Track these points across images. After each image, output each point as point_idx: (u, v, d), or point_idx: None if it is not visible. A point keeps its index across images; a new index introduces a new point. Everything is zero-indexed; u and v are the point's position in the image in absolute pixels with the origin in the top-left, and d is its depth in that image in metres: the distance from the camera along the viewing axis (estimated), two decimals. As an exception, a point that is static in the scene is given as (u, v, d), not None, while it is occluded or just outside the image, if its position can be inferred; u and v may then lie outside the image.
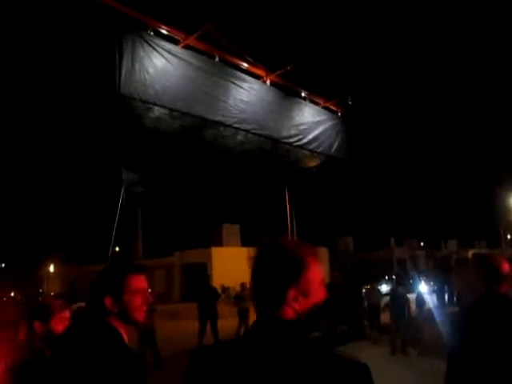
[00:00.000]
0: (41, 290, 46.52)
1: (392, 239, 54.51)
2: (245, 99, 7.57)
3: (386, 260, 49.28)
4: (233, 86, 7.45)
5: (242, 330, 15.14)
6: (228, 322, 19.22)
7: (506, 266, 2.84)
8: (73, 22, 5.78)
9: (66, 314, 3.29)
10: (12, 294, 42.10)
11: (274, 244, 1.28)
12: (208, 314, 14.36)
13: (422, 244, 58.64)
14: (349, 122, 10.47)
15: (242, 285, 17.11)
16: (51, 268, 49.71)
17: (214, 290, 16.27)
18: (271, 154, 8.46)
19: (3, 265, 59.21)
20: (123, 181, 6.21)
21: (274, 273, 1.21)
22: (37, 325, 3.48)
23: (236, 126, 7.37)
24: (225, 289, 33.04)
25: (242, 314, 15.51)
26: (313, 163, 10.13)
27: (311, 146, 9.01)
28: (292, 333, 1.15)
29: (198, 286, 19.12)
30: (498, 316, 2.49)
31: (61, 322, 3.04)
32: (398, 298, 11.68)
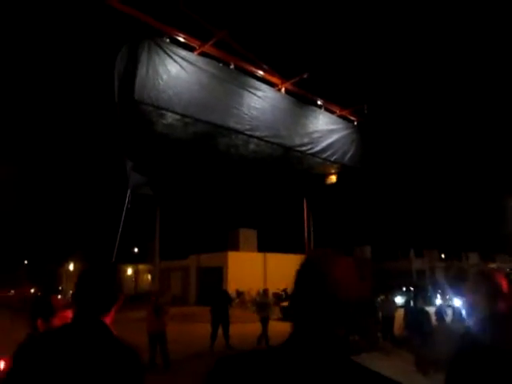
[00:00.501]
0: (60, 288, 47.38)
1: (412, 250, 53.67)
2: (258, 107, 7.62)
3: (405, 271, 48.57)
4: (247, 93, 7.51)
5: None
6: (243, 327, 19.26)
7: (504, 284, 2.81)
8: (90, 27, 5.94)
9: (68, 313, 3.39)
10: (32, 291, 43.05)
11: (344, 260, 1.24)
12: (220, 318, 14.44)
13: (442, 256, 57.58)
14: (365, 131, 10.41)
15: (265, 291, 16.79)
16: (71, 266, 50.63)
17: (226, 294, 16.33)
18: (283, 161, 8.48)
19: (26, 262, 60.64)
20: (129, 182, 6.32)
21: (354, 290, 1.20)
22: (39, 322, 3.61)
23: (249, 133, 7.42)
24: (240, 293, 33.09)
25: (264, 322, 15.30)
26: (327, 171, 10.11)
27: (324, 155, 8.99)
28: (346, 350, 1.15)
29: (211, 289, 19.25)
30: (494, 336, 2.47)
31: (62, 321, 3.14)
32: (415, 312, 11.46)
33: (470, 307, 2.83)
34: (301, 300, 1.20)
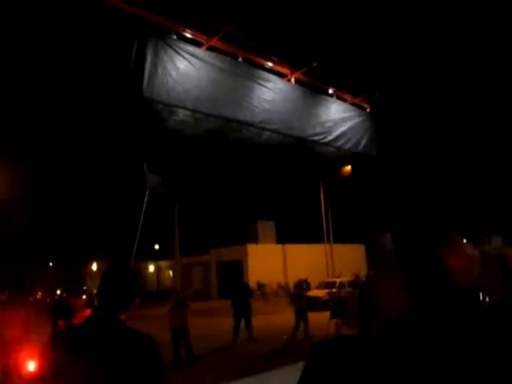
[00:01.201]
0: (85, 288, 48.27)
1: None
2: (269, 99, 7.59)
3: (427, 257, 48.07)
4: (257, 85, 7.48)
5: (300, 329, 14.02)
6: (265, 319, 19.33)
7: None
8: (98, 29, 5.98)
9: (87, 312, 3.51)
10: (58, 292, 43.98)
11: (462, 241, 1.15)
12: (242, 311, 14.46)
13: (464, 240, 56.67)
14: (378, 118, 10.27)
15: (300, 282, 16.07)
16: (94, 267, 51.52)
17: (247, 287, 16.33)
18: (297, 150, 8.45)
19: (51, 264, 61.92)
20: (147, 184, 6.37)
21: (473, 277, 1.12)
22: (61, 323, 3.75)
23: (260, 125, 7.41)
24: (261, 285, 33.26)
25: (300, 314, 14.30)
26: (341, 160, 10.03)
27: (338, 144, 8.91)
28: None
29: (231, 283, 19.30)
30: (508, 322, 2.43)
31: (82, 320, 3.23)
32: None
33: (486, 290, 2.80)
34: (414, 285, 1.11)
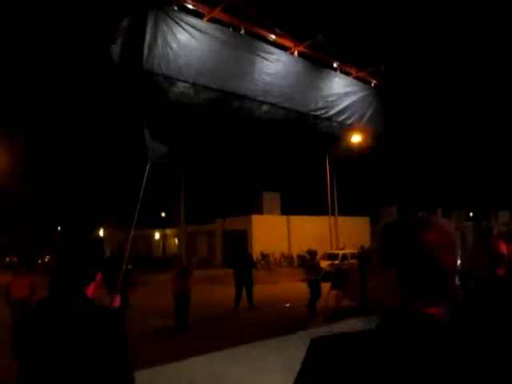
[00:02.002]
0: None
1: (439, 210, 52.86)
2: (271, 72, 7.53)
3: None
4: (259, 58, 7.42)
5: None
6: (267, 289, 19.71)
7: (503, 249, 2.90)
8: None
9: None
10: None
11: (445, 226, 1.13)
12: (244, 281, 14.78)
13: (471, 215, 56.39)
14: (383, 93, 10.15)
15: (312, 253, 15.74)
16: (101, 232, 52.38)
17: (250, 257, 16.61)
18: (298, 124, 8.44)
19: (59, 228, 62.99)
20: (149, 155, 6.39)
21: (456, 260, 1.10)
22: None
23: (261, 99, 7.39)
24: (264, 255, 33.77)
25: (314, 285, 13.79)
26: (344, 134, 9.99)
27: (340, 118, 8.86)
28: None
29: (235, 253, 19.60)
30: (496, 300, 2.54)
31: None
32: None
33: (474, 270, 2.91)
34: (403, 276, 1.09)
